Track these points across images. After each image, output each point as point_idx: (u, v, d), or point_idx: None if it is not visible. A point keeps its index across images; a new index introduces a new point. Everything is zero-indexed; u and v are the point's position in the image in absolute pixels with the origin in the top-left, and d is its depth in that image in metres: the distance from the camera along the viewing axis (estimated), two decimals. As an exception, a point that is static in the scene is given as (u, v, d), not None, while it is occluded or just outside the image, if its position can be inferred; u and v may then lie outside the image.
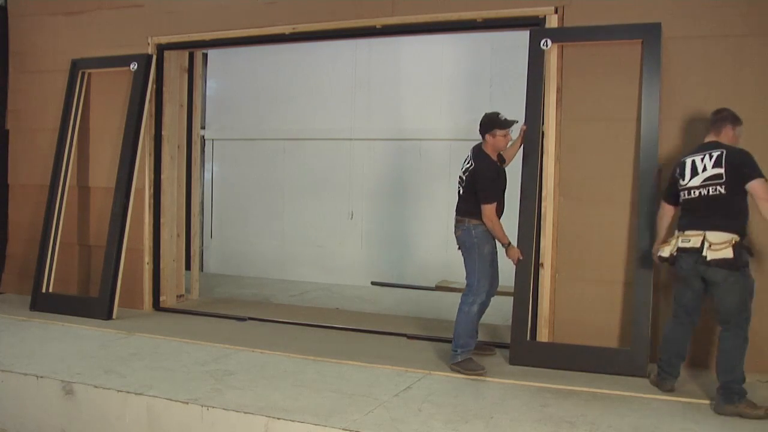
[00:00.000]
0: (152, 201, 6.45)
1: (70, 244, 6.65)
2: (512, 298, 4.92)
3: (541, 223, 4.98)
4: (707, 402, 4.01)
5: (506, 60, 7.75)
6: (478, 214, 4.57)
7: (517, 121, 4.75)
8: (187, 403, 3.85)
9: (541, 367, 4.65)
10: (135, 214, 6.29)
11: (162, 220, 6.52)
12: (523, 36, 5.18)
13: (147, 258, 6.42)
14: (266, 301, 7.22)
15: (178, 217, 6.75)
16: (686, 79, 4.74)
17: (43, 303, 6.31)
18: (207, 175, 9.40)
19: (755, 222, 4.06)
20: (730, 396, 3.83)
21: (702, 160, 4.00)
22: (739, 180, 3.85)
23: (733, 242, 3.81)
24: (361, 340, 5.48)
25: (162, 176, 6.50)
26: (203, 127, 9.07)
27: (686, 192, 4.06)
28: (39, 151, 6.86)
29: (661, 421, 3.70)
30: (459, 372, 4.51)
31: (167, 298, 6.59)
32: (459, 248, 4.75)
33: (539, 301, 4.98)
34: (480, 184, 4.56)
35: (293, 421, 3.60)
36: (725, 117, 4.12)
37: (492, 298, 4.83)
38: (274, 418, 3.64)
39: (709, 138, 4.11)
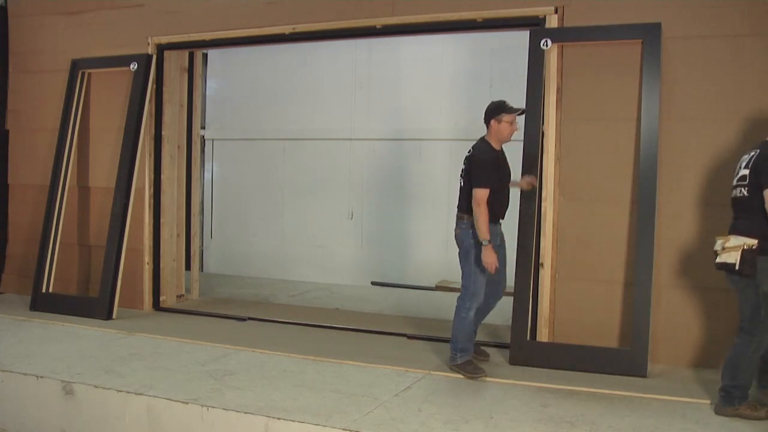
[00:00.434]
0: (152, 201, 6.45)
1: (70, 244, 6.65)
2: (512, 298, 4.92)
3: (541, 223, 4.98)
4: (707, 402, 4.01)
5: (506, 60, 7.75)
6: None
7: (525, 111, 4.66)
8: (187, 403, 3.85)
9: (541, 367, 4.65)
10: (135, 214, 6.29)
11: (162, 220, 6.52)
12: (523, 36, 5.18)
13: (147, 258, 6.42)
14: (266, 301, 7.22)
15: (178, 217, 6.75)
16: (686, 79, 4.74)
17: (43, 303, 6.31)
18: (207, 175, 9.40)
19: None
20: (730, 399, 3.81)
21: (745, 159, 3.85)
22: (756, 185, 3.69)
23: (744, 247, 3.66)
24: (361, 340, 5.48)
25: (162, 176, 6.50)
26: (203, 127, 9.07)
27: (731, 191, 3.93)
28: (39, 151, 6.87)
29: (661, 421, 3.70)
30: (459, 373, 4.50)
31: (167, 298, 6.59)
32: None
33: (539, 301, 4.98)
34: (475, 168, 4.44)
35: (293, 421, 3.60)
36: None
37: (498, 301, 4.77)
38: (274, 418, 3.64)
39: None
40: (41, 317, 6.01)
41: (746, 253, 3.67)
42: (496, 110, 4.51)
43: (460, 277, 4.60)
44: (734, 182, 3.89)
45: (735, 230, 3.79)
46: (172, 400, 3.91)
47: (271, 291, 7.83)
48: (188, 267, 7.06)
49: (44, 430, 4.25)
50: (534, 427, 3.59)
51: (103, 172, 6.56)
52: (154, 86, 6.40)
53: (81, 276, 6.69)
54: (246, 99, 9.16)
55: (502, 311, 5.67)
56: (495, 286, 4.66)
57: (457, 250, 4.65)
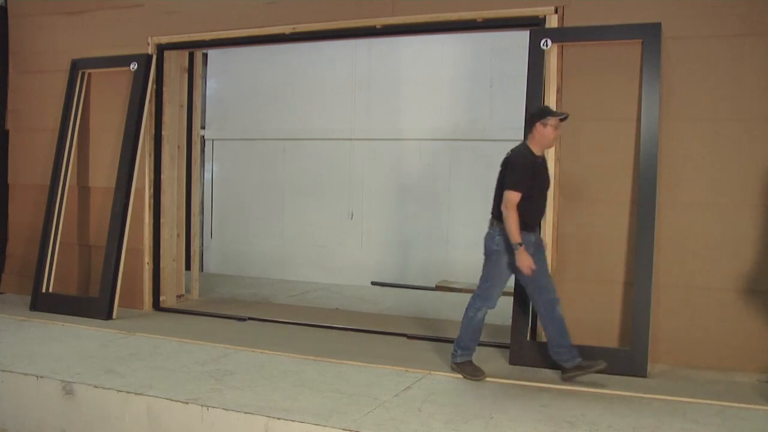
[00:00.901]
0: (152, 201, 6.45)
1: (70, 244, 6.65)
2: (512, 298, 4.92)
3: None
4: (707, 402, 4.01)
5: (506, 60, 7.75)
6: None
7: (568, 116, 4.44)
8: (187, 403, 3.85)
9: (541, 367, 4.65)
10: (135, 214, 6.29)
11: (162, 220, 6.52)
12: (523, 36, 5.18)
13: (147, 258, 6.42)
14: (266, 301, 7.22)
15: (178, 217, 6.75)
16: (686, 79, 4.74)
17: (43, 303, 6.31)
18: (207, 175, 9.40)
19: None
20: None
21: None
22: None
23: None
24: (361, 340, 5.48)
25: (162, 176, 6.50)
26: (203, 127, 9.08)
27: None
28: (39, 151, 6.86)
29: (661, 421, 3.70)
30: (458, 372, 4.50)
31: (167, 298, 6.59)
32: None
33: (539, 301, 4.97)
34: (510, 170, 4.29)
35: (293, 421, 3.60)
36: None
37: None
38: (274, 418, 3.64)
39: None
40: (41, 317, 6.01)
41: None
42: (542, 113, 4.35)
43: (479, 278, 4.52)
44: None
45: None
46: (172, 400, 3.91)
47: (271, 291, 7.84)
48: (188, 267, 7.06)
49: (44, 430, 4.25)
50: (534, 427, 3.59)
51: (103, 172, 6.56)
52: (154, 86, 6.40)
53: (81, 276, 6.69)
54: (246, 99, 9.17)
55: (502, 311, 5.66)
56: (544, 292, 4.40)
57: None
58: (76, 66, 6.61)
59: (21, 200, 7.05)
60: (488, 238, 4.45)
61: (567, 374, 4.38)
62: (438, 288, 7.95)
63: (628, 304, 4.78)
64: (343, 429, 3.50)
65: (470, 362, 4.50)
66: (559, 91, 4.99)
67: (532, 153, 4.35)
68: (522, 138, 4.98)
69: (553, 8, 5.03)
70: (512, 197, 4.22)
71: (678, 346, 4.75)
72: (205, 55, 8.67)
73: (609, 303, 4.88)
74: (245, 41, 6.30)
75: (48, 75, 6.85)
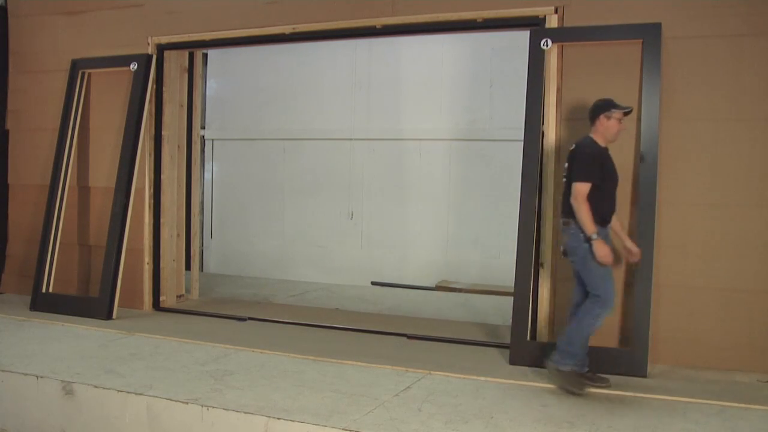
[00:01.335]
0: (152, 201, 6.45)
1: (70, 244, 6.65)
2: (512, 298, 4.92)
3: (541, 223, 4.98)
4: (707, 402, 4.01)
5: (506, 60, 7.75)
6: None
7: (632, 110, 4.35)
8: (187, 403, 3.85)
9: (541, 367, 4.64)
10: (135, 214, 6.29)
11: (162, 220, 6.52)
12: (523, 36, 5.18)
13: (147, 258, 6.42)
14: (266, 301, 7.22)
15: (178, 217, 6.75)
16: (686, 79, 4.74)
17: (43, 303, 6.31)
18: (207, 175, 9.40)
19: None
20: None
21: None
22: None
23: None
24: (361, 340, 5.48)
25: (162, 176, 6.50)
26: (203, 127, 9.08)
27: None
28: (39, 151, 6.86)
29: (661, 421, 3.70)
30: (555, 379, 4.15)
31: (167, 298, 6.59)
32: (565, 255, 4.31)
33: (539, 301, 4.98)
34: (577, 162, 4.14)
35: (293, 421, 3.60)
36: None
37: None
38: (274, 418, 3.64)
39: None
40: (41, 317, 6.01)
41: None
42: (606, 106, 4.23)
43: (588, 287, 4.21)
44: None
45: None
46: (172, 400, 3.91)
47: (271, 291, 7.83)
48: (188, 267, 7.06)
49: (44, 430, 4.25)
50: (534, 427, 3.59)
51: (103, 172, 6.56)
52: (154, 86, 6.40)
53: (81, 276, 6.69)
54: (246, 99, 9.16)
55: (502, 311, 5.67)
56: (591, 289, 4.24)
57: (564, 257, 4.35)
58: (76, 66, 6.61)
59: (21, 200, 7.05)
60: (573, 241, 4.19)
61: (550, 362, 4.25)
62: (438, 288, 7.95)
63: (628, 304, 4.78)
64: (343, 429, 3.50)
65: (578, 373, 4.18)
66: (559, 91, 4.99)
67: (598, 144, 4.24)
68: (521, 138, 5.02)
69: (553, 8, 5.03)
70: (582, 188, 4.07)
71: (678, 346, 4.74)
72: (205, 55, 8.67)
73: (609, 303, 4.87)
74: (245, 41, 6.30)
75: (48, 75, 6.85)
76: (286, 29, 5.93)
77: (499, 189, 7.68)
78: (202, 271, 8.47)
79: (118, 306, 6.09)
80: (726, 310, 4.63)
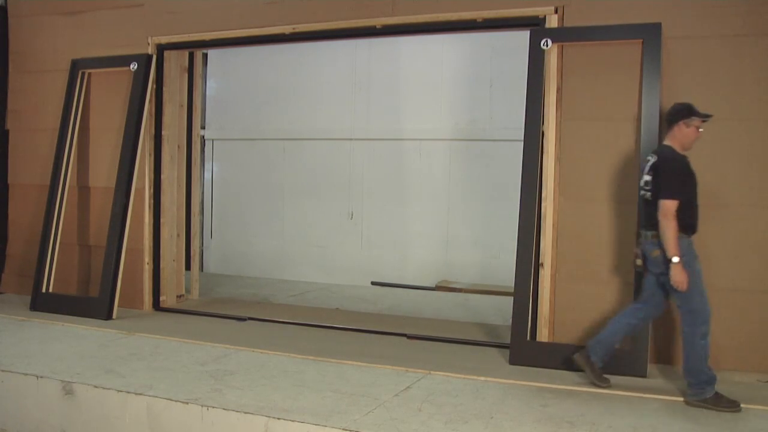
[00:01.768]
0: (152, 201, 6.45)
1: (70, 244, 6.65)
2: (512, 298, 4.92)
3: (541, 223, 4.98)
4: (707, 402, 4.01)
5: (506, 60, 7.75)
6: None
7: (711, 116, 4.17)
8: (187, 403, 3.85)
9: (541, 367, 4.65)
10: (135, 214, 6.29)
11: (162, 220, 6.52)
12: (523, 36, 5.18)
13: (147, 258, 6.42)
14: (266, 301, 7.22)
15: (178, 217, 6.75)
16: (686, 79, 4.74)
17: (43, 303, 6.31)
18: (207, 175, 9.41)
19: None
20: None
21: None
22: None
23: None
24: (361, 340, 5.48)
25: (162, 176, 6.50)
26: (203, 127, 9.08)
27: None
28: (39, 151, 6.86)
29: (661, 421, 3.70)
30: (713, 409, 3.91)
31: (167, 298, 6.59)
32: (649, 269, 4.17)
33: (539, 301, 4.98)
34: (664, 175, 3.98)
35: (293, 421, 3.60)
36: None
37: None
38: (274, 418, 3.64)
39: None
40: (41, 317, 6.01)
41: None
42: (686, 112, 4.06)
43: (680, 304, 4.08)
44: None
45: None
46: (172, 400, 3.91)
47: (271, 291, 7.84)
48: (188, 267, 7.06)
49: (44, 430, 4.25)
50: (534, 427, 3.59)
51: (103, 172, 6.56)
52: (154, 86, 6.39)
53: (81, 276, 6.69)
54: (246, 99, 9.17)
55: (502, 311, 5.67)
56: (661, 300, 4.24)
57: (646, 270, 4.24)
58: (76, 66, 6.61)
59: (21, 200, 7.05)
60: (664, 255, 4.00)
61: (580, 357, 4.31)
62: (438, 288, 7.95)
63: (628, 304, 4.76)
64: (343, 429, 3.50)
65: (721, 395, 3.96)
66: (559, 91, 4.99)
67: (678, 153, 4.08)
68: (521, 138, 5.02)
69: (553, 8, 5.03)
70: (670, 206, 3.92)
71: (678, 347, 4.74)
72: (205, 55, 8.67)
73: (609, 303, 4.87)
74: (245, 41, 6.30)
75: (48, 75, 6.85)
76: (286, 29, 5.93)
77: (499, 189, 7.68)
78: (202, 271, 8.47)
79: (118, 306, 6.09)
80: (726, 310, 4.61)
